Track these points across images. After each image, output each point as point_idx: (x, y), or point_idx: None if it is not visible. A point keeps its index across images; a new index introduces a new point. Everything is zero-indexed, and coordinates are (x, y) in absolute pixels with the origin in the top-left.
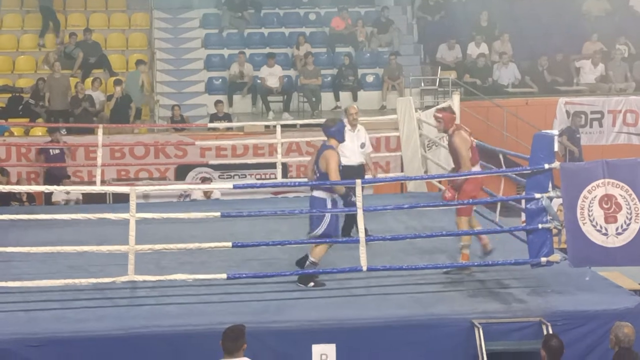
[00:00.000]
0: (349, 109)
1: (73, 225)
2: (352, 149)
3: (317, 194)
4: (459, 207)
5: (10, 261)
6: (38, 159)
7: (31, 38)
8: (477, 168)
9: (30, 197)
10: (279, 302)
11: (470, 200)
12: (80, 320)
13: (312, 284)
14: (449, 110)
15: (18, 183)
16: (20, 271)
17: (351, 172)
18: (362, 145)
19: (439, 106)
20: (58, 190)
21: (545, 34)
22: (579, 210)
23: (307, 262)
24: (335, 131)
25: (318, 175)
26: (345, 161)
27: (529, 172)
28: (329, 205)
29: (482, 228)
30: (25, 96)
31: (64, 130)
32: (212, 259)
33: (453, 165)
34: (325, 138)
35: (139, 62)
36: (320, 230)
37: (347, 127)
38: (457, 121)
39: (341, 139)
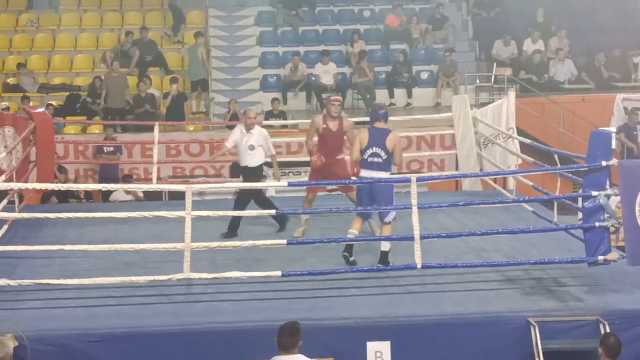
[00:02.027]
0: (248, 112)
1: (129, 223)
2: (243, 148)
3: (386, 176)
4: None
5: (69, 258)
6: (96, 157)
7: (89, 37)
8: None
9: (88, 194)
10: (334, 299)
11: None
12: (138, 316)
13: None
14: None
15: (75, 180)
16: (78, 268)
17: (243, 173)
18: (252, 147)
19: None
20: (115, 189)
21: (603, 30)
22: (637, 208)
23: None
24: (386, 113)
25: (385, 157)
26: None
27: (586, 169)
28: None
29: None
30: (82, 94)
31: (119, 128)
32: (266, 256)
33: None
34: (372, 123)
35: (197, 34)
36: (393, 215)
37: (242, 130)
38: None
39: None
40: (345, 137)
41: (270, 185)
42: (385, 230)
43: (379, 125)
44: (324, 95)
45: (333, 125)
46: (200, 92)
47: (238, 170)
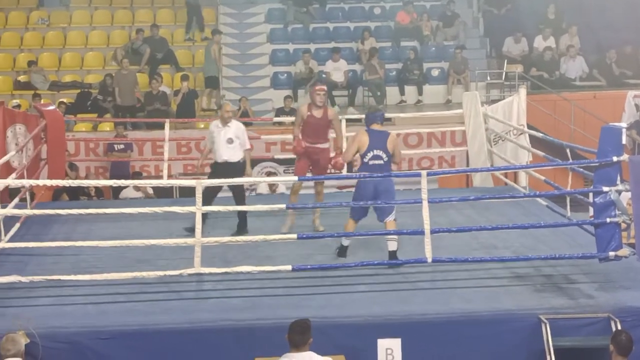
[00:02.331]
0: (224, 106)
1: (140, 219)
2: (220, 143)
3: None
4: None
5: (79, 255)
6: (107, 154)
7: (100, 34)
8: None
9: (99, 191)
10: (344, 296)
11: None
12: (148, 312)
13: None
14: None
15: (86, 177)
16: (89, 264)
17: (221, 169)
18: (230, 141)
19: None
20: (125, 185)
21: (614, 26)
22: None
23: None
24: (382, 114)
25: (386, 159)
26: (214, 157)
27: (597, 165)
28: None
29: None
30: (93, 92)
31: (130, 125)
32: (277, 252)
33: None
34: (369, 125)
35: (214, 32)
36: (394, 214)
37: (218, 124)
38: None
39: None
40: (329, 126)
41: (281, 181)
42: (390, 227)
43: (376, 127)
44: (334, 92)
45: (318, 113)
46: (211, 89)
47: (215, 167)
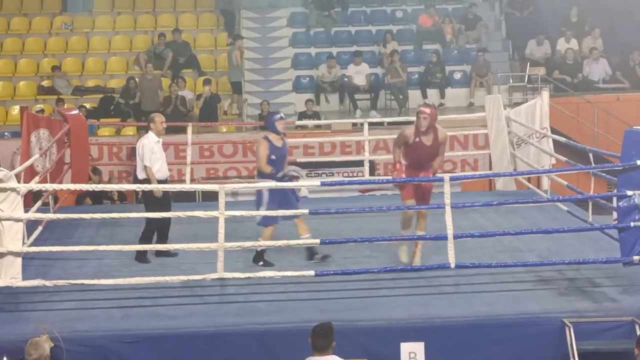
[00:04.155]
0: (157, 117)
1: None
2: (163, 159)
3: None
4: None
5: (103, 259)
6: (130, 159)
7: (122, 39)
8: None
9: (122, 195)
10: (367, 300)
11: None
12: (172, 317)
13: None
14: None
15: (110, 182)
16: (112, 268)
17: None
18: None
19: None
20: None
21: (637, 29)
22: None
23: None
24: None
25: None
26: (159, 175)
27: (621, 169)
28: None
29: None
30: (116, 96)
31: None
32: (300, 257)
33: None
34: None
35: (236, 37)
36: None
37: (157, 139)
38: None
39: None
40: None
41: (304, 185)
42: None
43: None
44: (356, 96)
45: (427, 140)
46: (232, 93)
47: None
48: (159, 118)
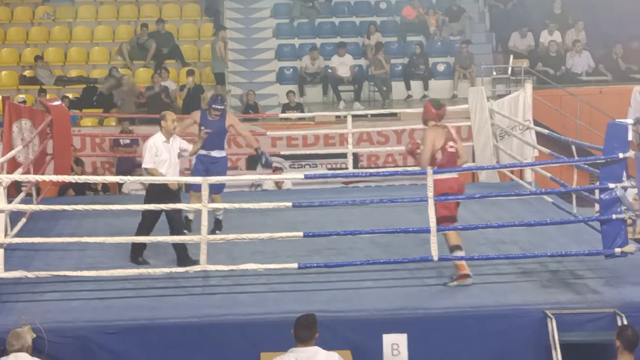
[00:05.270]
0: (167, 115)
1: None
2: (171, 162)
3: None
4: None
5: (86, 250)
6: (113, 150)
7: (105, 29)
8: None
9: (105, 186)
10: (350, 292)
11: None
12: (155, 308)
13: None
14: (435, 104)
15: (93, 173)
16: (95, 260)
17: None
18: (180, 156)
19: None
20: (130, 181)
21: (620, 21)
22: None
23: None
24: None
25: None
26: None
27: (603, 161)
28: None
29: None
30: (99, 86)
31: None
32: (283, 249)
33: None
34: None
35: (219, 28)
36: None
37: (163, 139)
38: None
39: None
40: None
41: (288, 178)
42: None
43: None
44: (340, 87)
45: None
46: (216, 84)
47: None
48: (170, 116)
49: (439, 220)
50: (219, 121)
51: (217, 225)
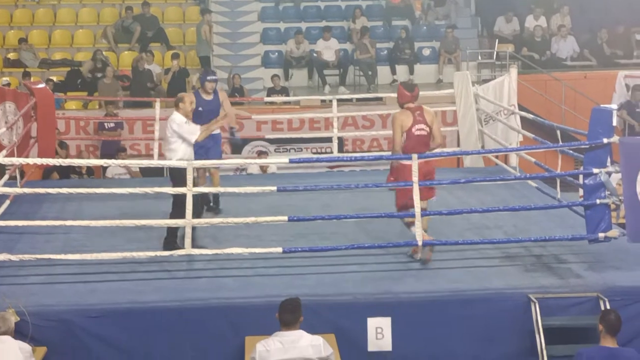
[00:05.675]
0: (185, 97)
1: (130, 199)
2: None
3: None
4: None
5: (70, 233)
6: (97, 133)
7: (89, 12)
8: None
9: (89, 170)
10: (335, 276)
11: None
12: (138, 292)
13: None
14: (407, 87)
15: (78, 156)
16: (80, 244)
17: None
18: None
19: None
20: (115, 165)
21: (606, 6)
22: (638, 185)
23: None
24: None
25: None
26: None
27: (587, 147)
28: None
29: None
30: (83, 70)
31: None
32: (268, 233)
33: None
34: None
35: (203, 11)
36: None
37: (183, 119)
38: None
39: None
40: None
41: (272, 162)
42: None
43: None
44: (325, 72)
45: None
46: (201, 67)
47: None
48: (188, 98)
49: (400, 208)
50: (213, 100)
51: (215, 201)
